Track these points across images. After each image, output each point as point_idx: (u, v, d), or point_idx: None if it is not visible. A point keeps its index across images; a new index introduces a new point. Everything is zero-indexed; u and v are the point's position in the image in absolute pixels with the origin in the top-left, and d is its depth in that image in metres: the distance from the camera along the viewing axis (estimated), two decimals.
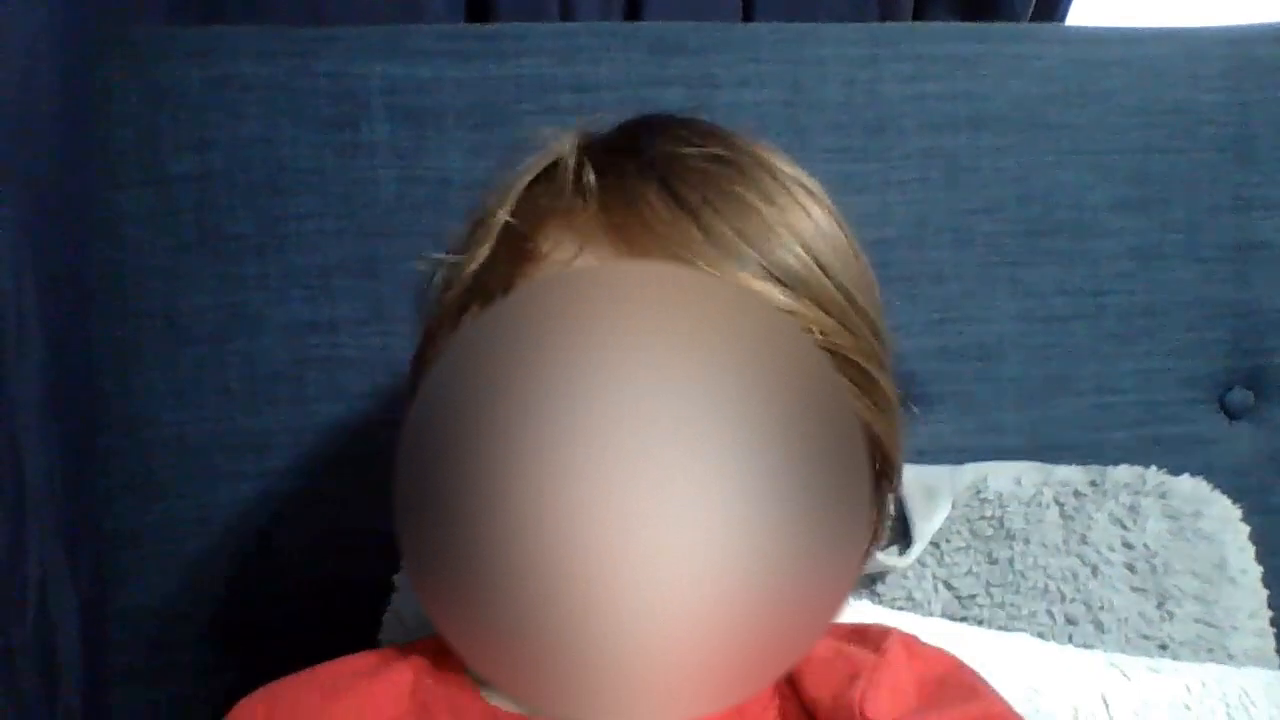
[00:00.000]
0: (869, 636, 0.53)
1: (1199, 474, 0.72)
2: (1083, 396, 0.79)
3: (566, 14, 0.84)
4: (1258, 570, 0.70)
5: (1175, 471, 0.72)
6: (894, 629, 0.54)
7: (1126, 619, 0.67)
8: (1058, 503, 0.71)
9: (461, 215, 0.76)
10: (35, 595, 0.63)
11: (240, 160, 0.75)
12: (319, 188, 0.75)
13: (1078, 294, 0.79)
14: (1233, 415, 0.80)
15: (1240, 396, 0.80)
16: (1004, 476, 0.72)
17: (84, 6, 0.70)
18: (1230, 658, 0.67)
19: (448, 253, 0.54)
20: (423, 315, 0.55)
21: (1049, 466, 0.73)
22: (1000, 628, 0.67)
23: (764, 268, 0.48)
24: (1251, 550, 0.70)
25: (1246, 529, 0.71)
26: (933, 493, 0.71)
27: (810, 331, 0.48)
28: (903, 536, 0.70)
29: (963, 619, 0.68)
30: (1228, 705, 0.62)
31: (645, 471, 0.39)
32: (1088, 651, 0.65)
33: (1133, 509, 0.70)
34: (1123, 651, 0.66)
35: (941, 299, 0.78)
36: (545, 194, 0.51)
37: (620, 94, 0.76)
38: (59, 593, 0.65)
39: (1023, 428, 0.79)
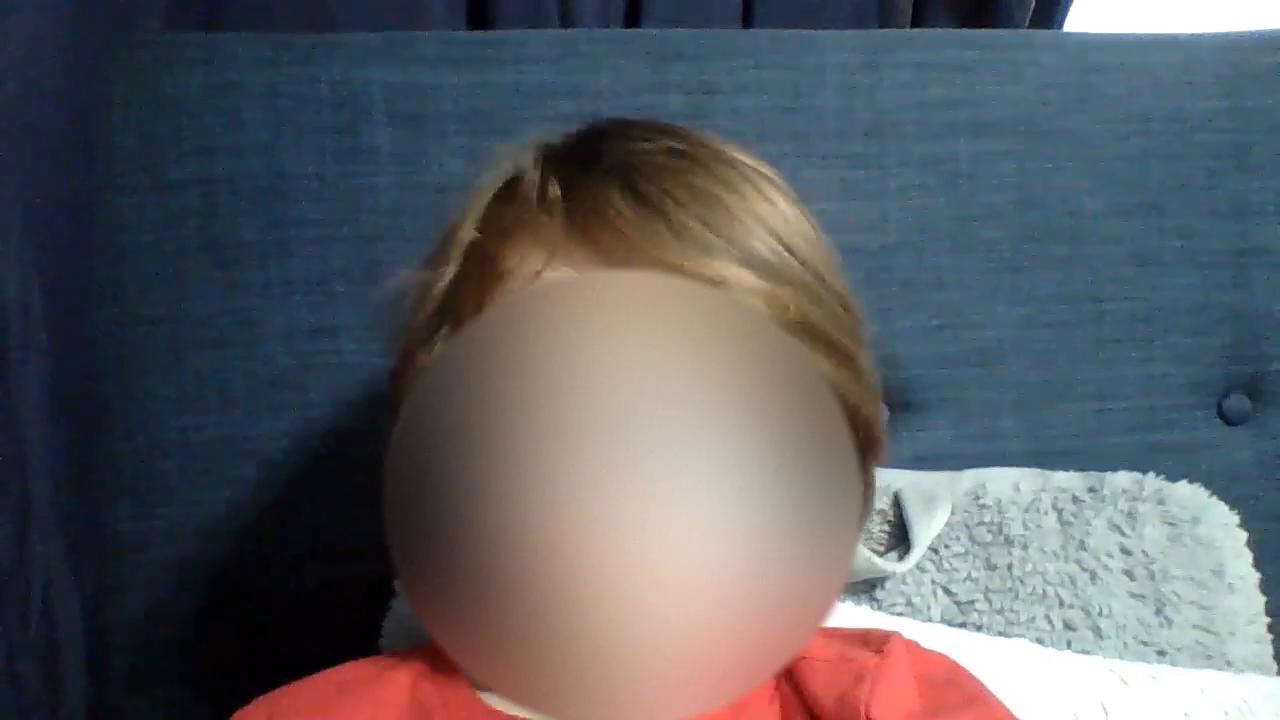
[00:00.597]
0: (870, 639, 0.53)
1: (1197, 480, 0.72)
2: (1082, 402, 0.79)
3: (566, 19, 0.85)
4: (1255, 576, 0.70)
5: (1173, 477, 0.72)
6: (895, 632, 0.54)
7: (1125, 625, 0.67)
8: (1056, 509, 0.71)
9: None
10: (39, 598, 0.63)
11: (242, 167, 0.75)
12: (320, 194, 0.76)
13: (1077, 300, 0.79)
14: (1231, 421, 0.80)
15: (1238, 402, 0.80)
16: (1003, 483, 0.73)
17: (87, 14, 0.70)
18: (1228, 664, 0.67)
19: (417, 272, 0.54)
20: (395, 333, 0.55)
21: (1047, 473, 0.73)
22: (999, 633, 0.68)
23: (734, 256, 0.49)
24: (1249, 556, 0.70)
25: (1244, 535, 0.71)
26: (932, 498, 0.72)
27: (786, 309, 0.49)
28: (901, 542, 0.71)
29: (961, 625, 0.68)
30: (1226, 713, 0.62)
31: (632, 473, 0.39)
32: (1086, 658, 0.65)
33: (1131, 515, 0.70)
34: (1121, 658, 0.66)
35: (941, 305, 0.78)
36: (509, 209, 0.52)
37: (619, 101, 0.76)
38: (62, 596, 0.65)
39: (1022, 433, 0.79)
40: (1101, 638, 0.67)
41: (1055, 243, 0.79)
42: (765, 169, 0.53)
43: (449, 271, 0.52)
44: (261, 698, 0.53)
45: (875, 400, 0.54)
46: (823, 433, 0.40)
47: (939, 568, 0.70)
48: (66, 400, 0.67)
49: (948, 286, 0.78)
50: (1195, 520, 0.70)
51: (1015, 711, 0.53)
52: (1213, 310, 0.79)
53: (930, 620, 0.69)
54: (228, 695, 0.73)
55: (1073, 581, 0.69)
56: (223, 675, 0.75)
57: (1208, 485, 0.72)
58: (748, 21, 0.88)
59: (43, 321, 0.63)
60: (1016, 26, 0.86)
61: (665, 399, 0.40)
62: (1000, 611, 0.68)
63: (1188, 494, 0.71)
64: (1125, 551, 0.69)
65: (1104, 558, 0.69)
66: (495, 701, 0.51)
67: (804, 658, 0.51)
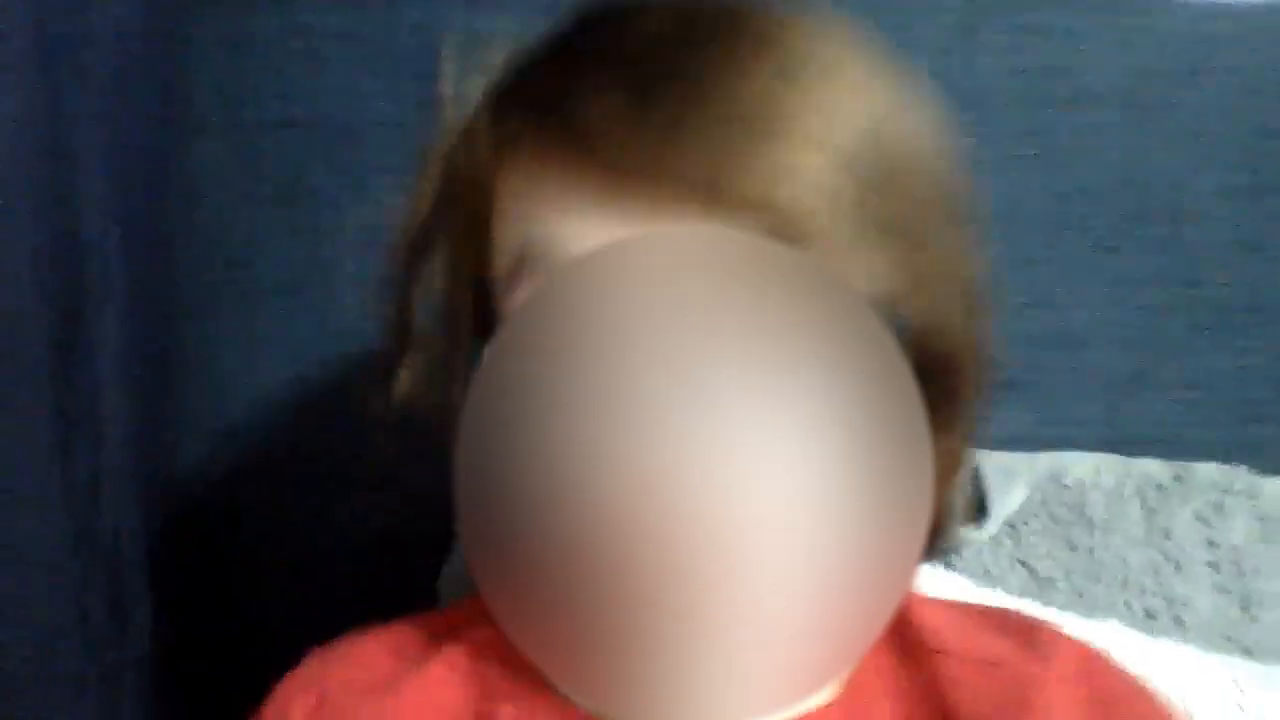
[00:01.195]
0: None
1: None
2: (1169, 391, 0.76)
3: None
4: None
5: (1265, 473, 0.69)
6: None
7: (1209, 619, 0.65)
8: (1140, 495, 0.69)
9: None
10: (109, 537, 0.64)
11: (320, 111, 0.74)
12: (400, 141, 0.74)
13: (1172, 284, 0.76)
14: None
15: None
16: (1084, 466, 0.71)
17: None
18: None
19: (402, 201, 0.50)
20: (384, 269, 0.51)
21: (1130, 460, 0.71)
22: (1080, 616, 0.66)
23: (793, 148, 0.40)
24: None
25: None
26: (1010, 473, 0.70)
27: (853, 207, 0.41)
28: (979, 514, 0.69)
29: (1043, 604, 0.66)
30: None
31: (709, 445, 0.37)
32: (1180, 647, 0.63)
33: (1219, 507, 0.68)
34: (1204, 651, 0.64)
35: (1030, 282, 0.76)
36: (490, 126, 0.46)
37: None
38: (131, 536, 0.66)
39: (1103, 420, 0.76)
40: (1184, 628, 0.65)
41: (1155, 223, 0.76)
42: (838, 44, 0.44)
43: (427, 198, 0.49)
44: (309, 669, 0.50)
45: (961, 319, 0.46)
46: (892, 394, 0.38)
47: (1017, 542, 0.68)
48: (141, 341, 0.67)
49: (1038, 264, 0.75)
50: None
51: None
52: None
53: (1010, 593, 0.67)
54: (285, 639, 0.75)
55: (1156, 570, 0.67)
56: (279, 619, 0.76)
57: None
58: None
59: (121, 262, 0.63)
60: None
61: (735, 362, 0.37)
62: (1081, 594, 0.66)
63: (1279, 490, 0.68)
64: (1211, 544, 0.67)
65: (1189, 549, 0.67)
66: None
67: (941, 652, 0.47)
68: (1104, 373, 0.76)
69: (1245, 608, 0.66)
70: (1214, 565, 0.67)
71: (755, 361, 0.38)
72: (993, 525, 0.68)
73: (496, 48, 0.48)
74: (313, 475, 0.76)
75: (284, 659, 0.52)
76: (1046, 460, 0.71)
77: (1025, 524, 0.69)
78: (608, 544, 0.37)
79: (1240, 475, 0.69)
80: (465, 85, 0.48)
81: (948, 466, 0.46)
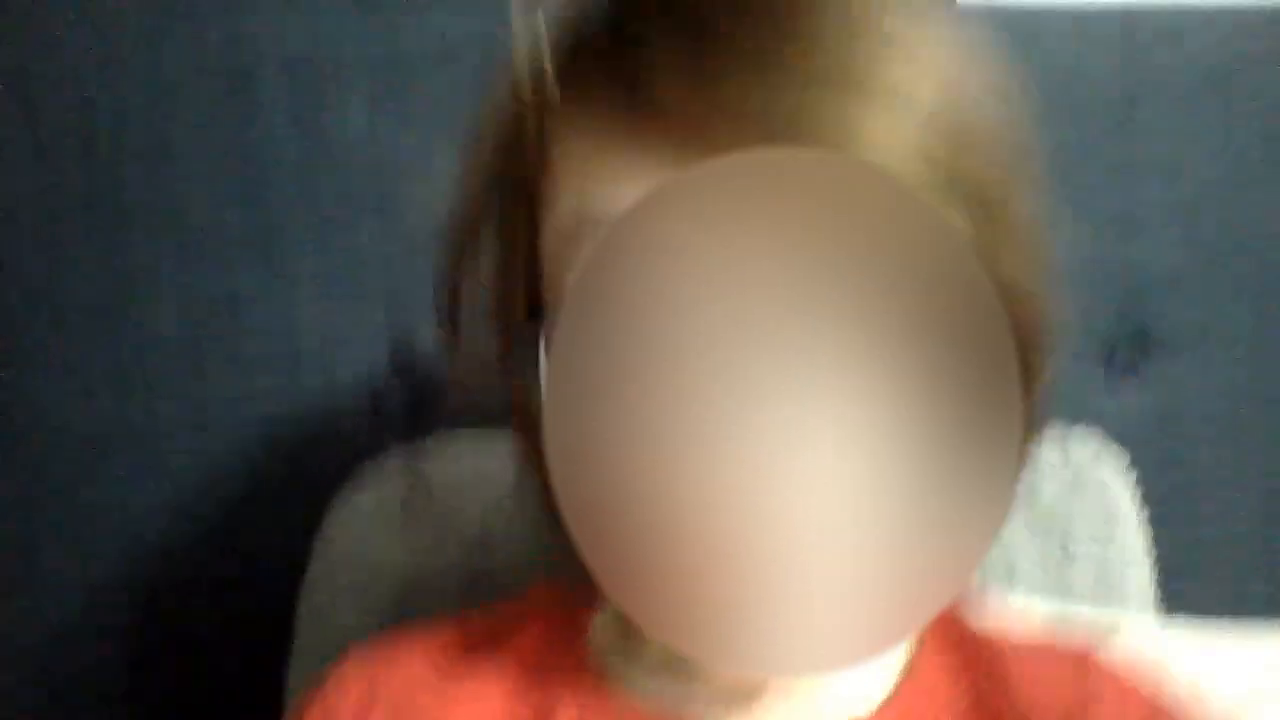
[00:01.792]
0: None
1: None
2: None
3: None
4: (1142, 514, 0.74)
5: (1068, 425, 0.75)
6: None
7: (1036, 562, 0.70)
8: None
9: (365, 180, 0.74)
10: None
11: (127, 123, 0.70)
12: (212, 152, 0.72)
13: None
14: (1118, 374, 0.84)
15: (1125, 356, 0.84)
16: None
17: None
18: (1124, 599, 0.71)
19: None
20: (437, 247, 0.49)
21: None
22: None
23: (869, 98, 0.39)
24: (1136, 496, 0.74)
25: (1132, 477, 0.75)
26: None
27: (934, 164, 0.40)
28: None
29: None
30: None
31: (796, 408, 0.36)
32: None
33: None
34: (1029, 595, 0.69)
35: None
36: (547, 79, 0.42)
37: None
38: None
39: None
40: (1014, 579, 0.69)
41: None
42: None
43: (484, 160, 0.45)
44: (357, 657, 0.49)
45: (1035, 283, 0.45)
46: (983, 343, 0.36)
47: None
48: None
49: None
50: (1092, 461, 0.73)
51: None
52: (1097, 267, 0.83)
53: None
54: (123, 695, 0.70)
55: None
56: (119, 669, 0.71)
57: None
58: None
59: None
60: None
61: (824, 309, 0.35)
62: None
63: (1084, 438, 0.75)
64: (1032, 491, 0.72)
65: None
66: (631, 691, 0.47)
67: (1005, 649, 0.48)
68: None
69: (1064, 547, 0.71)
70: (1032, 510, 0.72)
71: (849, 307, 0.35)
72: None
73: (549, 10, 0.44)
74: (141, 525, 0.72)
75: None
76: None
77: None
78: (693, 510, 0.37)
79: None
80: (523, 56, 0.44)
81: (1027, 434, 0.45)
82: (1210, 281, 0.83)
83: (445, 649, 0.49)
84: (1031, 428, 0.46)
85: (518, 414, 0.47)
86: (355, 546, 0.65)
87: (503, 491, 0.53)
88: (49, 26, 0.69)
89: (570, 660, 0.48)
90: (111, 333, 0.71)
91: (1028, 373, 0.42)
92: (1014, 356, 0.36)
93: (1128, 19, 0.82)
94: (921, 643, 0.49)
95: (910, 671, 0.48)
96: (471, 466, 0.67)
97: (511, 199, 0.45)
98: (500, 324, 0.47)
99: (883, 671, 0.48)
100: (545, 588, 0.53)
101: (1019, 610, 0.58)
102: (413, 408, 0.74)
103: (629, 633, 0.47)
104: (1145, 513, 0.74)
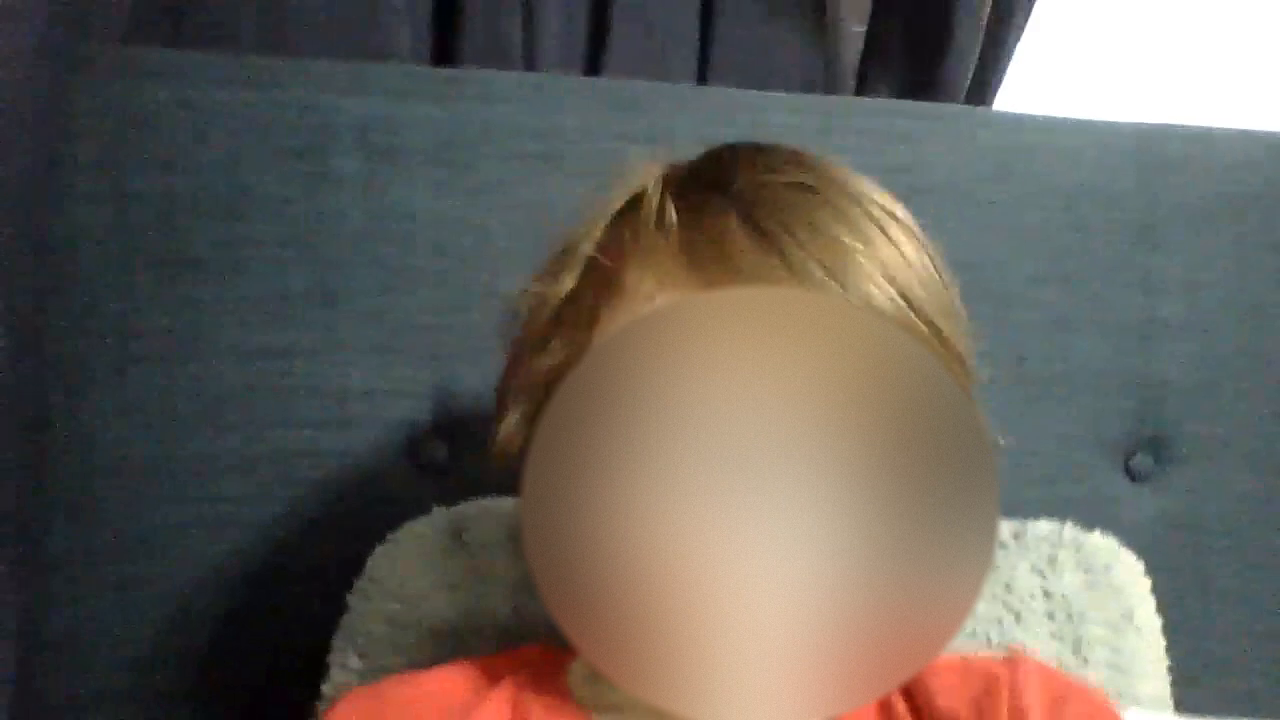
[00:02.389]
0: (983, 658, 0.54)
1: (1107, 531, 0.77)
2: (1002, 456, 0.83)
3: (529, 63, 0.87)
4: (1159, 621, 0.75)
5: (1087, 528, 0.77)
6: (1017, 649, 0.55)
7: (1047, 663, 0.71)
8: None
9: (427, 252, 0.78)
10: None
11: (202, 182, 0.74)
12: (280, 215, 0.76)
13: (1000, 360, 0.84)
14: (1136, 479, 0.86)
15: (1143, 461, 0.86)
16: None
17: (53, 25, 0.69)
18: (1137, 701, 0.72)
19: (533, 282, 0.54)
20: (507, 343, 0.55)
21: None
22: None
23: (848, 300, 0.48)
24: (1153, 602, 0.76)
25: (1149, 582, 0.76)
26: None
27: None
28: None
29: None
30: None
31: (767, 486, 0.40)
32: None
33: (1052, 560, 0.74)
34: None
35: None
36: (628, 227, 0.51)
37: (583, 145, 0.79)
38: None
39: None
40: None
41: (982, 304, 0.84)
42: (895, 208, 0.53)
43: (567, 283, 0.52)
44: (361, 696, 0.53)
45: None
46: (965, 450, 0.41)
47: None
48: (15, 410, 0.65)
49: None
50: (1108, 567, 0.75)
51: None
52: (1118, 375, 0.85)
53: None
54: None
55: (999, 622, 0.72)
56: (159, 701, 0.73)
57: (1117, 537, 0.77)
58: (702, 80, 0.91)
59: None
60: (955, 100, 0.91)
61: (803, 413, 0.40)
62: None
63: (1101, 543, 0.76)
64: (1046, 594, 0.73)
65: (1028, 600, 0.73)
66: None
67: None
68: None
69: (1076, 651, 0.72)
70: (1050, 615, 0.73)
71: (817, 405, 0.41)
72: None
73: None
74: (187, 555, 0.74)
75: None
76: None
77: None
78: (661, 578, 0.41)
79: (1068, 530, 0.76)
80: (609, 194, 0.54)
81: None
82: (1227, 393, 0.86)
83: (450, 690, 0.53)
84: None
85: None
86: (396, 592, 0.68)
87: None
88: (136, 93, 0.74)
89: (553, 698, 0.52)
90: (170, 379, 0.74)
91: None
92: (993, 459, 0.41)
93: (1150, 143, 0.85)
94: None
95: None
96: (511, 526, 0.69)
97: (589, 303, 0.51)
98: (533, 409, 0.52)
99: None
100: (538, 647, 0.58)
101: None
102: (451, 461, 0.77)
103: (598, 678, 0.51)
104: (1161, 619, 0.75)
